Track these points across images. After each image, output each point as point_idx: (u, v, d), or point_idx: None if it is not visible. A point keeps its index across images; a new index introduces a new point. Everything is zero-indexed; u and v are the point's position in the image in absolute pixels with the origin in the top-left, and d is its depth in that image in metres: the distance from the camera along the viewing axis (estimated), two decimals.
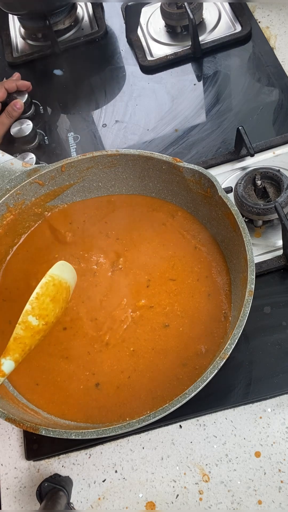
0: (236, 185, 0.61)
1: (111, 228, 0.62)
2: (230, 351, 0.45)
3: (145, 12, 0.88)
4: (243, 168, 0.67)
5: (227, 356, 0.45)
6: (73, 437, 0.45)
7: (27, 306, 0.45)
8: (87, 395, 0.52)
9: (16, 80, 0.81)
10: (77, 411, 0.52)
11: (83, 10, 0.94)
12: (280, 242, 0.60)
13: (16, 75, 0.83)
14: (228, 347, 0.45)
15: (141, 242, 0.60)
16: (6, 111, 0.77)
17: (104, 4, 0.93)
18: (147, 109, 0.78)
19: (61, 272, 0.49)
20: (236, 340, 0.46)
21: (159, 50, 0.84)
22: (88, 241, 0.62)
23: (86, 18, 0.93)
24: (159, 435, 0.54)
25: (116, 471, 0.54)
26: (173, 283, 0.57)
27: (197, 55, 0.80)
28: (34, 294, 0.46)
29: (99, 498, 0.53)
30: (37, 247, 0.63)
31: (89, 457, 0.55)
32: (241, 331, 0.46)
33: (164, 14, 0.84)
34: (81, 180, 0.63)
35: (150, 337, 0.54)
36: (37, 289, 0.46)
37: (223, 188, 0.55)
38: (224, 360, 0.45)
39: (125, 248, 0.60)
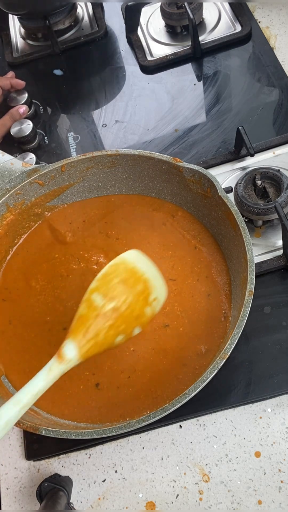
0: (236, 185, 0.61)
1: (111, 228, 0.62)
2: (230, 351, 0.45)
3: (145, 12, 0.88)
4: (243, 168, 0.67)
5: (227, 356, 0.45)
6: (73, 437, 0.45)
7: (92, 283, 0.42)
8: (87, 395, 0.52)
9: (10, 78, 0.80)
10: (77, 411, 0.52)
11: (83, 10, 0.94)
12: (280, 242, 0.60)
13: (11, 73, 0.83)
14: (228, 347, 0.45)
15: (141, 242, 0.60)
16: (10, 113, 0.77)
17: (104, 4, 0.93)
18: (147, 109, 0.78)
19: (135, 260, 0.44)
20: (236, 340, 0.46)
21: (159, 50, 0.84)
22: (88, 241, 0.62)
23: (86, 18, 0.93)
24: (159, 435, 0.54)
25: (116, 471, 0.54)
26: (173, 283, 0.57)
27: (197, 55, 0.80)
28: (101, 272, 0.42)
29: (99, 498, 0.53)
30: (37, 247, 0.63)
31: (89, 457, 0.55)
32: (241, 331, 0.46)
33: (164, 14, 0.84)
34: (81, 180, 0.63)
35: (150, 337, 0.54)
36: (105, 268, 0.42)
37: (223, 188, 0.55)
38: (224, 360, 0.45)
39: (125, 248, 0.60)
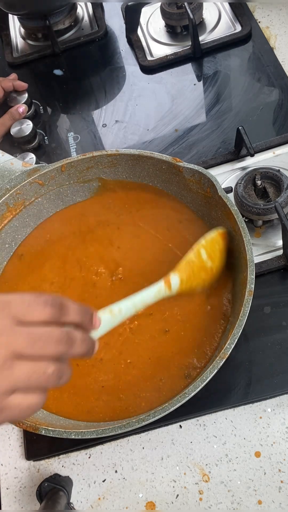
0: (236, 185, 0.61)
1: (112, 228, 0.62)
2: (230, 351, 0.45)
3: (145, 12, 0.88)
4: (243, 168, 0.67)
5: (227, 356, 0.45)
6: (73, 437, 0.45)
7: (202, 240, 0.51)
8: (90, 395, 0.52)
9: (13, 80, 0.81)
10: (79, 410, 0.51)
11: (83, 10, 0.94)
12: (280, 242, 0.60)
13: (13, 75, 0.83)
14: (228, 346, 0.45)
15: (139, 245, 0.60)
16: (10, 113, 0.77)
17: (104, 4, 0.93)
18: (147, 109, 0.78)
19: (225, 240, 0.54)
20: (236, 340, 0.46)
21: (159, 50, 0.84)
22: (89, 245, 0.62)
23: (86, 18, 0.93)
24: (159, 435, 0.54)
25: (116, 471, 0.54)
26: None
27: (197, 55, 0.80)
28: (209, 235, 0.52)
29: (99, 498, 0.53)
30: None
31: (89, 457, 0.55)
32: (240, 330, 0.46)
33: (164, 14, 0.84)
34: (81, 180, 0.63)
35: (149, 346, 0.54)
36: (211, 235, 0.52)
37: (223, 188, 0.55)
38: (224, 360, 0.45)
39: (126, 256, 0.60)
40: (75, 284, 0.59)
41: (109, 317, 0.41)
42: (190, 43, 0.80)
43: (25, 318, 0.33)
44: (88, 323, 0.37)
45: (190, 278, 0.49)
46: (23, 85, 0.81)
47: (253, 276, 0.48)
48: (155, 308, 0.55)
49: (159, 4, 0.86)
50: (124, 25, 0.87)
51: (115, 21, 0.91)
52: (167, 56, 0.82)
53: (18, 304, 0.33)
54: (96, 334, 0.39)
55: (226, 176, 0.67)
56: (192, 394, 0.44)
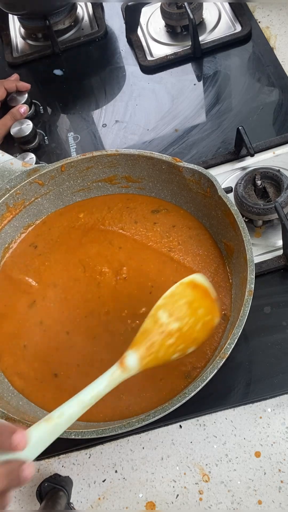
0: (236, 185, 0.61)
1: (112, 229, 0.62)
2: (230, 351, 0.45)
3: (145, 12, 0.88)
4: (243, 168, 0.67)
5: (227, 355, 0.45)
6: (73, 437, 0.45)
7: (160, 301, 0.43)
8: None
9: (15, 81, 0.81)
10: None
11: (83, 10, 0.94)
12: (280, 242, 0.60)
13: (15, 76, 0.83)
14: (228, 346, 0.45)
15: (142, 245, 0.60)
16: (11, 113, 0.77)
17: (104, 4, 0.93)
18: (147, 109, 0.78)
19: (203, 283, 0.45)
20: (236, 340, 0.46)
21: (159, 50, 0.84)
22: (90, 246, 0.62)
23: (86, 18, 0.93)
24: (159, 435, 0.54)
25: (116, 471, 0.54)
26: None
27: (197, 55, 0.80)
28: (168, 290, 0.43)
29: (99, 498, 0.53)
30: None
31: (89, 457, 0.55)
32: (240, 330, 0.46)
33: (164, 14, 0.84)
34: (81, 180, 0.63)
35: None
36: (173, 287, 0.43)
37: (223, 188, 0.55)
38: (224, 360, 0.45)
39: (129, 256, 0.60)
40: (79, 284, 0.59)
41: (45, 428, 0.35)
42: (190, 43, 0.80)
43: None
44: (6, 443, 0.31)
45: (152, 350, 0.42)
46: (26, 85, 0.81)
47: (253, 276, 0.48)
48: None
49: (159, 4, 0.86)
50: (124, 25, 0.87)
51: (115, 21, 0.91)
52: (167, 56, 0.82)
53: None
54: (28, 455, 0.33)
55: (226, 176, 0.67)
56: (192, 394, 0.44)
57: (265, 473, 0.51)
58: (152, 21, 0.88)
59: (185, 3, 0.78)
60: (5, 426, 0.32)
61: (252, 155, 0.65)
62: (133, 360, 0.41)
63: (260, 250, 0.60)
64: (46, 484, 0.51)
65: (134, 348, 0.42)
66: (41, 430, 0.35)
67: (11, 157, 0.61)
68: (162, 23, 0.86)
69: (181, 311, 0.43)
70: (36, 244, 0.63)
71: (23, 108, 0.78)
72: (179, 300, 0.43)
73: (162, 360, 0.43)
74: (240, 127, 0.64)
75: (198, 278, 0.45)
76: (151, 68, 0.82)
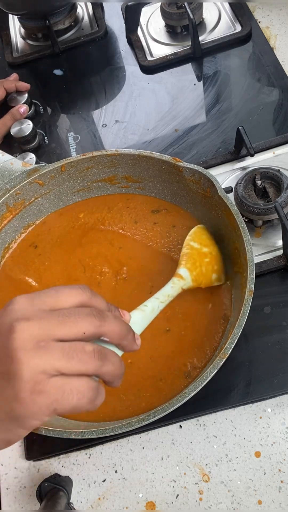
0: (236, 185, 0.61)
1: (112, 229, 0.62)
2: (230, 351, 0.45)
3: (145, 12, 0.88)
4: (243, 168, 0.67)
5: (227, 355, 0.45)
6: (73, 437, 0.45)
7: (188, 236, 0.55)
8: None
9: (15, 81, 0.81)
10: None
11: (83, 10, 0.94)
12: (280, 242, 0.60)
13: (14, 75, 0.83)
14: (228, 346, 0.45)
15: (142, 245, 0.60)
16: (11, 113, 0.77)
17: (104, 4, 0.93)
18: (147, 109, 0.78)
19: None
20: (236, 340, 0.46)
21: (159, 50, 0.84)
22: (90, 246, 0.62)
23: (86, 18, 0.93)
24: (159, 435, 0.54)
25: (116, 471, 0.54)
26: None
27: (197, 55, 0.80)
28: (191, 231, 0.56)
29: (99, 498, 0.53)
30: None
31: (89, 457, 0.55)
32: (240, 330, 0.46)
33: (164, 14, 0.84)
34: (81, 180, 0.63)
35: (151, 345, 0.53)
36: (194, 229, 0.56)
37: (223, 188, 0.55)
38: (224, 360, 0.45)
39: (129, 256, 0.60)
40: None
41: (140, 315, 0.43)
42: (190, 43, 0.80)
43: (57, 305, 0.34)
44: (131, 343, 0.37)
45: (196, 265, 0.52)
46: (25, 85, 0.81)
47: (253, 276, 0.48)
48: None
49: (159, 4, 0.86)
50: (124, 25, 0.87)
51: (115, 21, 0.91)
52: (167, 56, 0.82)
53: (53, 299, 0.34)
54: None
55: (226, 176, 0.67)
56: (192, 394, 0.44)
57: (265, 473, 0.51)
58: (152, 21, 0.88)
59: (185, 3, 0.78)
60: (128, 326, 0.37)
61: (252, 155, 0.65)
62: (184, 271, 0.51)
63: (260, 250, 0.60)
64: (46, 484, 0.51)
65: (181, 265, 0.52)
66: (137, 317, 0.42)
67: (11, 157, 0.61)
68: (162, 23, 0.86)
69: (206, 241, 0.55)
70: (36, 244, 0.63)
71: (23, 108, 0.78)
72: (201, 235, 0.55)
73: (206, 278, 0.53)
74: (240, 127, 0.64)
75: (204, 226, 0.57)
76: (151, 68, 0.82)
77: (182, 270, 0.51)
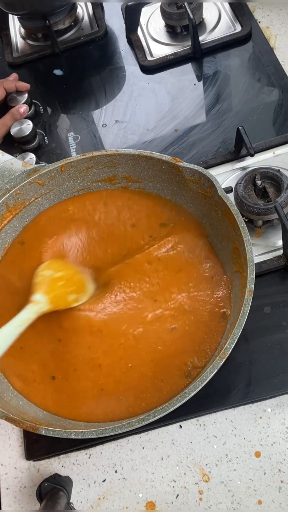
0: (236, 185, 0.61)
1: (113, 232, 0.62)
2: (230, 351, 0.45)
3: (145, 12, 0.88)
4: (243, 168, 0.67)
5: (227, 355, 0.45)
6: (73, 437, 0.45)
7: (41, 266, 0.56)
8: (89, 397, 0.52)
9: (15, 81, 0.81)
10: (79, 411, 0.51)
11: (83, 10, 0.94)
12: (280, 242, 0.60)
13: (14, 75, 0.83)
14: (228, 346, 0.45)
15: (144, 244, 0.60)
16: (11, 113, 0.77)
17: (104, 4, 0.93)
18: (147, 109, 0.79)
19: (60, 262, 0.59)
20: (236, 340, 0.46)
21: (159, 50, 0.84)
22: (90, 248, 0.62)
23: (86, 18, 0.93)
24: (159, 435, 0.54)
25: (116, 471, 0.54)
26: (176, 288, 0.56)
27: (197, 55, 0.80)
28: (45, 262, 0.57)
29: (99, 498, 0.53)
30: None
31: (89, 457, 0.55)
32: (240, 330, 0.46)
33: (164, 14, 0.84)
34: (81, 180, 0.63)
35: (152, 348, 0.53)
36: (47, 261, 0.57)
37: (223, 188, 0.55)
38: (224, 360, 0.45)
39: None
40: None
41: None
42: (190, 43, 0.80)
43: None
44: None
45: (52, 288, 0.53)
46: (25, 85, 0.81)
47: (253, 276, 0.48)
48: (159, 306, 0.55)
49: (159, 4, 0.86)
50: (124, 25, 0.87)
51: (115, 21, 0.91)
52: (167, 56, 0.82)
53: None
54: None
55: (226, 176, 0.67)
56: (192, 394, 0.44)
57: (265, 473, 0.51)
58: (152, 21, 0.88)
59: (185, 3, 0.78)
60: None
61: (252, 155, 0.65)
62: (39, 296, 0.52)
63: (260, 250, 0.60)
64: (46, 484, 0.51)
65: (36, 291, 0.53)
66: None
67: (11, 157, 0.61)
68: (162, 23, 0.86)
69: (61, 267, 0.57)
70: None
71: (23, 108, 0.78)
72: (54, 263, 0.57)
73: (63, 299, 0.54)
74: (240, 127, 0.64)
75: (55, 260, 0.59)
76: (151, 68, 0.82)
77: (36, 296, 0.52)
